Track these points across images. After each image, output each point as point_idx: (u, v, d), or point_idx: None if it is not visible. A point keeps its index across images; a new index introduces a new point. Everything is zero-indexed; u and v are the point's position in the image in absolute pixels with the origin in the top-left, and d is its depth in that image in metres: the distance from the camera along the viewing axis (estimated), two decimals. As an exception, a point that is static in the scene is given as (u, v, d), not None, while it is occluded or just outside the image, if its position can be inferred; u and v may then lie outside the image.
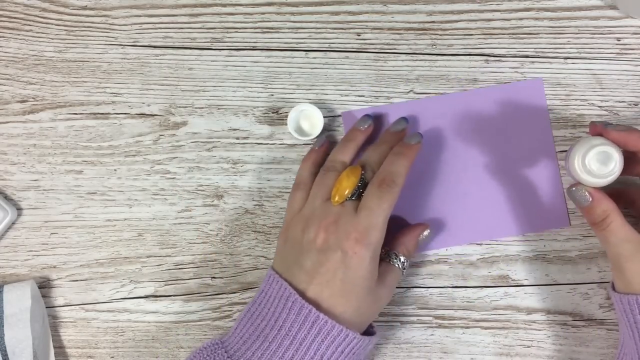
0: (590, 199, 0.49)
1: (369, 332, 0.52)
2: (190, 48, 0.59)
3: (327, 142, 0.57)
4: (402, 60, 0.59)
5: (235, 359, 0.48)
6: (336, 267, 0.48)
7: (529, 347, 0.58)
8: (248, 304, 0.52)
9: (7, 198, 0.59)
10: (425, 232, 0.56)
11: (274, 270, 0.51)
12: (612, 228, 0.49)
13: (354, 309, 0.49)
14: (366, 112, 0.58)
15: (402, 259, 0.53)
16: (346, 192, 0.50)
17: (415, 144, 0.53)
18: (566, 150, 0.58)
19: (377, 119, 0.58)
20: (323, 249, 0.49)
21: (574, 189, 0.50)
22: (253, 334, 0.49)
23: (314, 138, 0.58)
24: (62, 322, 0.59)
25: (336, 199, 0.50)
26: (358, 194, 0.51)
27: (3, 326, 0.55)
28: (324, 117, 0.58)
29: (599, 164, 0.48)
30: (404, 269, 0.54)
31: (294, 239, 0.51)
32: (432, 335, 0.58)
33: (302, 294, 0.48)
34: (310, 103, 0.57)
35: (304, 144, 0.59)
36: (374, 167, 0.52)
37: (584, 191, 0.50)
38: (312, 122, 0.58)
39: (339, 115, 0.59)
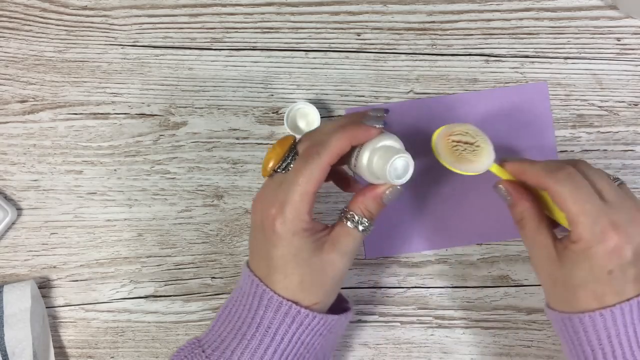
0: (510, 198, 0.50)
1: (343, 307, 0.51)
2: (190, 48, 0.59)
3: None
4: (402, 60, 0.59)
5: (214, 358, 0.47)
6: (265, 245, 0.46)
7: (529, 347, 0.58)
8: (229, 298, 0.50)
9: (7, 198, 0.59)
10: (389, 190, 0.48)
11: (247, 265, 0.50)
12: (526, 230, 0.49)
13: (296, 283, 0.46)
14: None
15: (358, 218, 0.47)
16: (271, 164, 0.47)
17: (372, 126, 0.47)
18: (566, 151, 0.58)
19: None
20: (254, 226, 0.48)
21: (497, 185, 0.50)
22: (229, 330, 0.48)
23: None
24: (62, 322, 0.59)
25: (263, 170, 0.48)
26: (285, 167, 0.47)
27: (3, 326, 0.55)
28: (322, 116, 0.58)
29: (396, 170, 0.45)
30: (364, 230, 0.48)
31: (252, 216, 0.49)
32: (432, 335, 0.58)
33: (260, 278, 0.47)
34: (306, 100, 0.57)
35: (304, 144, 0.59)
36: (312, 138, 0.47)
37: (504, 189, 0.50)
38: (308, 120, 0.57)
39: (338, 116, 0.59)
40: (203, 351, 0.48)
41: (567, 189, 0.45)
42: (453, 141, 0.49)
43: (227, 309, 0.49)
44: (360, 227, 0.48)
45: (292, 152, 0.47)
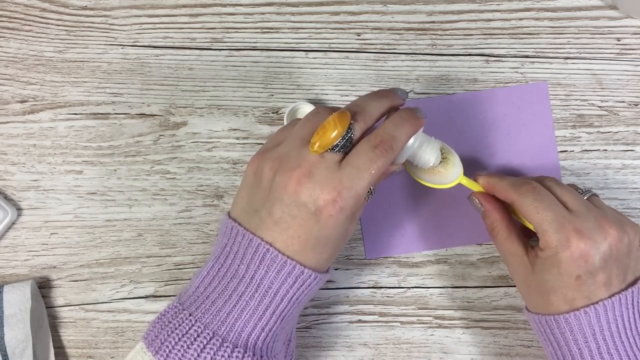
0: (482, 208, 0.52)
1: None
2: (190, 48, 0.59)
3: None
4: (402, 60, 0.59)
5: (205, 321, 0.44)
6: (310, 225, 0.44)
7: (529, 347, 0.58)
8: (209, 261, 0.47)
9: (7, 198, 0.59)
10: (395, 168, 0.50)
11: (233, 218, 0.47)
12: (499, 239, 0.51)
13: (326, 259, 0.46)
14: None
15: (371, 189, 0.46)
16: (329, 142, 0.44)
17: (422, 118, 0.48)
18: (566, 151, 0.58)
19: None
20: (294, 201, 0.44)
21: (470, 197, 0.53)
22: (221, 292, 0.45)
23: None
24: (62, 322, 0.59)
25: (316, 147, 0.44)
26: (342, 146, 0.45)
27: (3, 326, 0.55)
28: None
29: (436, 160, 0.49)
30: (370, 194, 0.46)
31: (260, 180, 0.45)
32: (432, 335, 0.58)
33: (270, 245, 0.45)
34: (306, 100, 0.57)
35: (304, 144, 0.59)
36: (367, 119, 0.46)
37: (476, 200, 0.53)
38: (311, 121, 0.57)
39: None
40: (190, 314, 0.44)
41: (529, 200, 0.48)
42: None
43: (214, 270, 0.46)
44: (370, 197, 0.47)
45: (349, 132, 0.45)
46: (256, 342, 0.45)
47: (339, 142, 0.44)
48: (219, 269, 0.46)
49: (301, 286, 0.46)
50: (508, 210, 0.52)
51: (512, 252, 0.50)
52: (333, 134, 0.44)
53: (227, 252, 0.46)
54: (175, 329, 0.44)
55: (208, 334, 0.44)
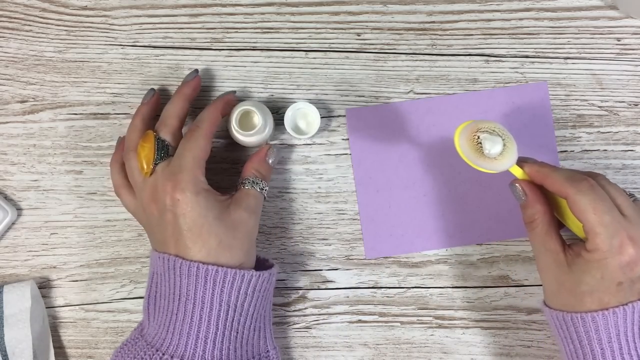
0: (524, 198, 0.50)
1: (265, 265, 0.53)
2: (190, 48, 0.59)
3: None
4: (402, 60, 0.59)
5: (156, 345, 0.49)
6: (174, 220, 0.49)
7: (529, 347, 0.58)
8: (146, 290, 0.52)
9: (7, 198, 0.59)
10: (271, 151, 0.55)
11: (154, 249, 0.52)
12: (537, 233, 0.50)
13: (215, 244, 0.49)
14: (368, 110, 0.58)
15: (252, 179, 0.53)
16: (150, 161, 0.51)
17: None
18: (566, 151, 0.58)
19: (376, 119, 0.58)
20: (160, 214, 0.49)
21: (512, 184, 0.51)
22: (162, 314, 0.49)
23: (311, 136, 0.57)
24: (62, 322, 0.59)
25: (145, 170, 0.51)
26: (161, 155, 0.51)
27: (3, 326, 0.55)
28: (322, 117, 0.58)
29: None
30: (262, 189, 0.53)
31: (142, 220, 0.53)
32: (432, 335, 0.58)
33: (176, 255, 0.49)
34: (306, 100, 0.57)
35: (304, 144, 0.59)
36: (168, 122, 0.53)
37: (520, 188, 0.50)
38: (308, 120, 0.57)
39: (338, 116, 0.59)
40: (147, 343, 0.49)
41: (588, 199, 0.46)
42: (480, 138, 0.48)
43: (152, 297, 0.51)
44: (258, 188, 0.53)
45: (161, 143, 0.51)
46: (207, 356, 0.48)
47: (157, 155, 0.51)
48: (154, 292, 0.51)
49: (224, 286, 0.48)
50: (551, 203, 0.50)
51: (550, 248, 0.49)
52: (146, 153, 0.51)
53: (155, 276, 0.51)
54: (134, 356, 0.49)
55: (158, 355, 0.48)
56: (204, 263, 0.48)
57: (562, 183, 0.47)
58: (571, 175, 0.48)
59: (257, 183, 0.53)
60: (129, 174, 0.53)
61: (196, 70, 0.57)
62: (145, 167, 0.51)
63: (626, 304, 0.46)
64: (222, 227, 0.49)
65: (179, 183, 0.49)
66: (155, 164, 0.51)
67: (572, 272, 0.47)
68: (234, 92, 0.57)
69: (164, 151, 0.51)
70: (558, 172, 0.49)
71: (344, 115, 0.59)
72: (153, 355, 0.48)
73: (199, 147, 0.51)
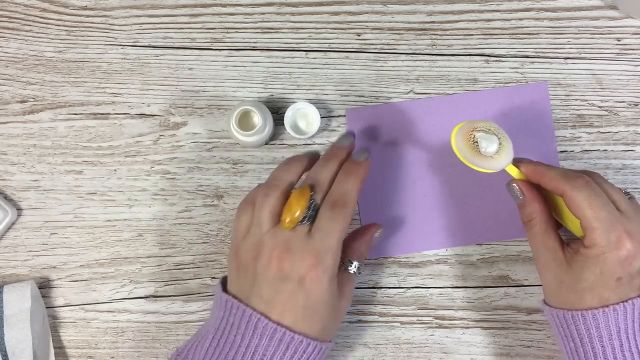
0: (522, 197, 0.50)
1: None
2: (190, 48, 0.59)
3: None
4: (402, 60, 0.59)
5: None
6: (296, 294, 0.47)
7: (529, 347, 0.58)
8: (203, 331, 0.49)
9: (7, 198, 0.59)
10: (377, 233, 0.54)
11: (230, 294, 0.49)
12: (535, 231, 0.50)
13: (319, 329, 0.48)
14: (368, 110, 0.58)
15: (356, 264, 0.52)
16: (297, 215, 0.47)
17: (364, 160, 0.52)
18: (566, 151, 0.58)
19: (376, 119, 0.58)
20: (280, 277, 0.47)
21: (509, 184, 0.51)
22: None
23: (311, 136, 0.58)
24: (62, 322, 0.59)
25: (287, 223, 0.47)
26: (309, 217, 0.48)
27: (3, 326, 0.55)
28: (322, 117, 0.58)
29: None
30: (359, 273, 0.52)
31: (246, 267, 0.48)
32: (432, 335, 0.58)
33: (262, 315, 0.47)
34: (306, 100, 0.57)
35: (304, 144, 0.59)
36: (323, 187, 0.50)
37: (517, 188, 0.50)
38: (308, 120, 0.57)
39: (338, 116, 0.59)
40: None
41: (584, 195, 0.46)
42: (475, 137, 0.49)
43: (214, 340, 0.48)
44: (358, 271, 0.52)
45: (312, 204, 0.48)
46: None
47: (306, 214, 0.48)
48: (218, 340, 0.48)
49: (295, 353, 0.47)
50: (548, 202, 0.50)
51: (548, 246, 0.49)
52: (297, 211, 0.47)
53: (224, 324, 0.48)
54: None
55: None
56: (290, 330, 0.47)
57: (558, 180, 0.48)
58: (567, 172, 0.49)
59: (356, 267, 0.52)
60: (259, 206, 0.49)
61: (353, 135, 0.56)
62: (287, 220, 0.47)
63: (626, 301, 0.46)
64: (332, 314, 0.49)
65: (321, 263, 0.47)
66: (299, 222, 0.48)
67: (571, 269, 0.47)
68: (364, 156, 0.52)
69: (312, 216, 0.48)
70: (554, 170, 0.49)
71: (344, 115, 0.59)
72: None
73: (345, 228, 0.48)
